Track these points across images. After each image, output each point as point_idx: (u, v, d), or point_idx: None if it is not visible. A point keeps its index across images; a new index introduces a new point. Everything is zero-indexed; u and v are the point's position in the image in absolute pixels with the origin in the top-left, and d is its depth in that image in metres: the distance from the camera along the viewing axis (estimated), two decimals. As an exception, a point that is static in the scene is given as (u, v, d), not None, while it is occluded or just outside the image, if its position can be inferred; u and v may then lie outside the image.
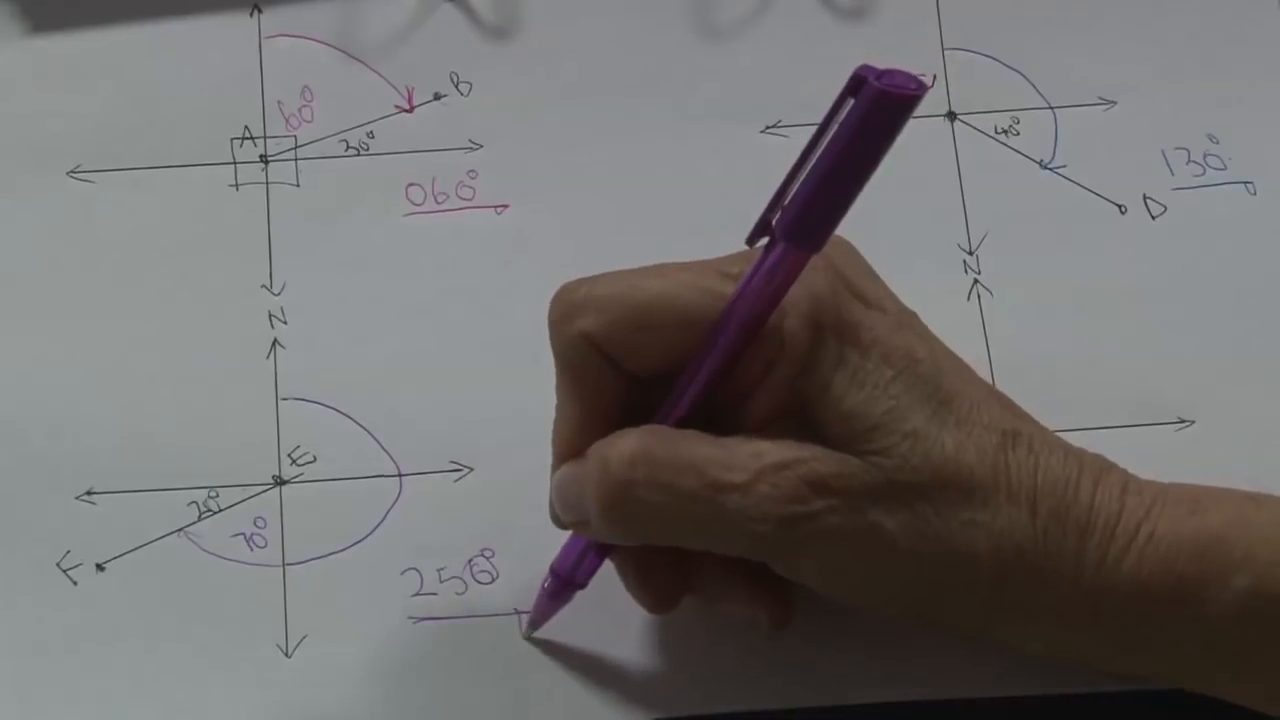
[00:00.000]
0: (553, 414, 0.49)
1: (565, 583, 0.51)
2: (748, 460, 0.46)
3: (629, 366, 0.48)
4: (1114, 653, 0.48)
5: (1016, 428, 0.47)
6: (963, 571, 0.46)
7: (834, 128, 0.42)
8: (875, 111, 0.42)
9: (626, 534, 0.48)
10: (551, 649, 0.52)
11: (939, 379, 0.47)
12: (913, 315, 0.49)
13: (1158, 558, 0.46)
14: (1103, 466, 0.48)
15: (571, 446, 0.48)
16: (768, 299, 0.46)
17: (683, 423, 0.47)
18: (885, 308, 0.48)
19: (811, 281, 0.46)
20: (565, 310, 0.48)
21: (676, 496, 0.46)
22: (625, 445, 0.46)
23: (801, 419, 0.47)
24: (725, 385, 0.47)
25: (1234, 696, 0.48)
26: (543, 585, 0.51)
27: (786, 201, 0.44)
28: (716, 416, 0.48)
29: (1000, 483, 0.46)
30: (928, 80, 0.41)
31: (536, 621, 0.52)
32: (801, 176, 0.43)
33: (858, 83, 0.42)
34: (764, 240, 0.45)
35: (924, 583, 0.47)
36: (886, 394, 0.46)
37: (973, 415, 0.47)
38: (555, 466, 0.49)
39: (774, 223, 0.45)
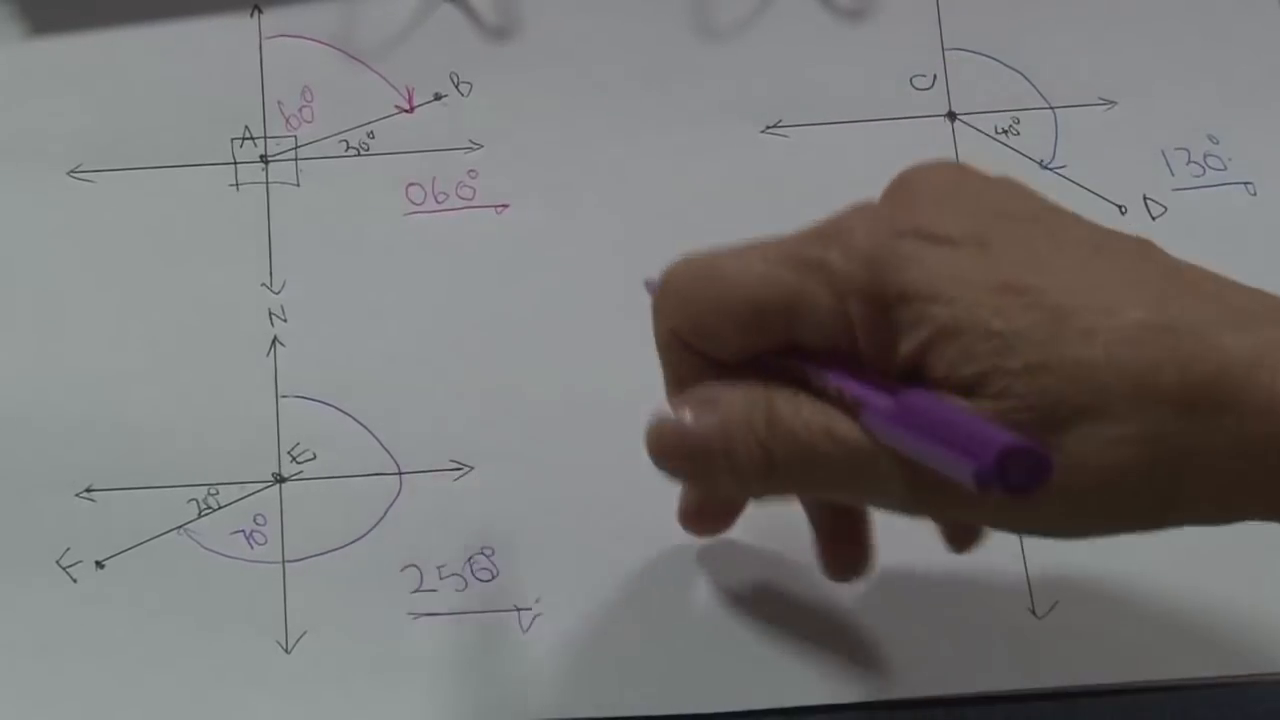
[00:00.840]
0: (552, 412, 0.50)
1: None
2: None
3: (717, 355, 0.45)
4: None
5: (1160, 320, 0.41)
6: (1117, 487, 0.41)
7: None
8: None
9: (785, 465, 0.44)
10: (552, 648, 0.52)
11: (1049, 296, 0.41)
12: (1004, 223, 0.43)
13: None
14: None
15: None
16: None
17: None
18: (957, 240, 0.42)
19: (863, 249, 0.43)
20: (656, 304, 0.46)
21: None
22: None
23: None
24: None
25: None
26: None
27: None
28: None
29: (1144, 384, 0.41)
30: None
31: None
32: None
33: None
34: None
35: (1079, 509, 0.42)
36: (986, 336, 0.41)
37: (1102, 322, 0.41)
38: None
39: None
